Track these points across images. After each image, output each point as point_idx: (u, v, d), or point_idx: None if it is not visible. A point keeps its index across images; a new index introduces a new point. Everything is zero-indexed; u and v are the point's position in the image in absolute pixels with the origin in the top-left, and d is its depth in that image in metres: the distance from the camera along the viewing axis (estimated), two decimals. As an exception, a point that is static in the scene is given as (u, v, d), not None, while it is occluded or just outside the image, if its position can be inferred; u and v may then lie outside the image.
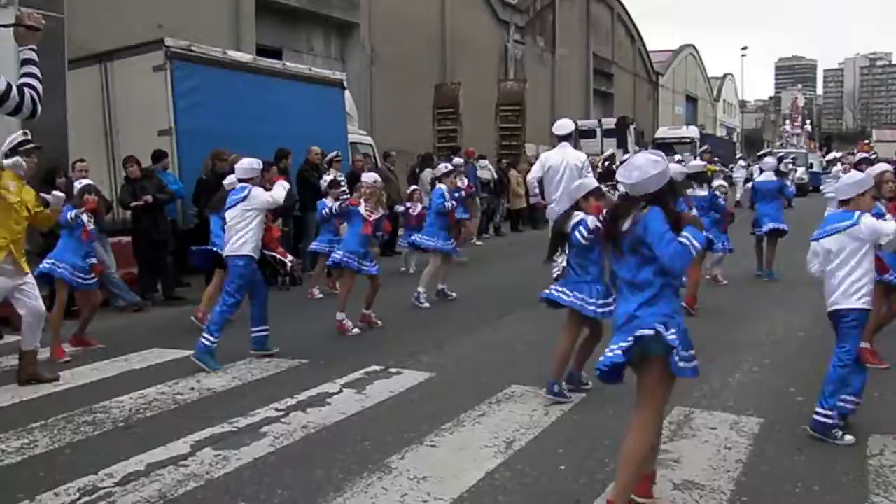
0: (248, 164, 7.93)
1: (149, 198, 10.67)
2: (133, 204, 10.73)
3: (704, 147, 23.79)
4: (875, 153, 26.20)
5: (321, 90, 15.68)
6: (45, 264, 8.02)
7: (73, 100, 11.34)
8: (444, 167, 11.71)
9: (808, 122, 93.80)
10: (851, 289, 5.32)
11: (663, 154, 4.17)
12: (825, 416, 5.31)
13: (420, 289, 10.39)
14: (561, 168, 10.13)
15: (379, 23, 26.58)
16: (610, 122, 33.36)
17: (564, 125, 10.62)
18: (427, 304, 10.33)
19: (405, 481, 4.67)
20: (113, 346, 8.33)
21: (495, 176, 20.65)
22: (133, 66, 12.70)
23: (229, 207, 7.78)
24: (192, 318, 9.26)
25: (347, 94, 16.85)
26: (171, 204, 11.64)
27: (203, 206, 11.75)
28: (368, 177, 9.48)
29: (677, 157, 15.97)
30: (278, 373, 7.23)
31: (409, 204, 12.46)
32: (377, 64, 26.51)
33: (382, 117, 25.00)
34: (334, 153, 13.17)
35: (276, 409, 6.06)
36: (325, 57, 25.29)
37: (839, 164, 17.72)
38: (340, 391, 6.58)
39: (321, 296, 11.33)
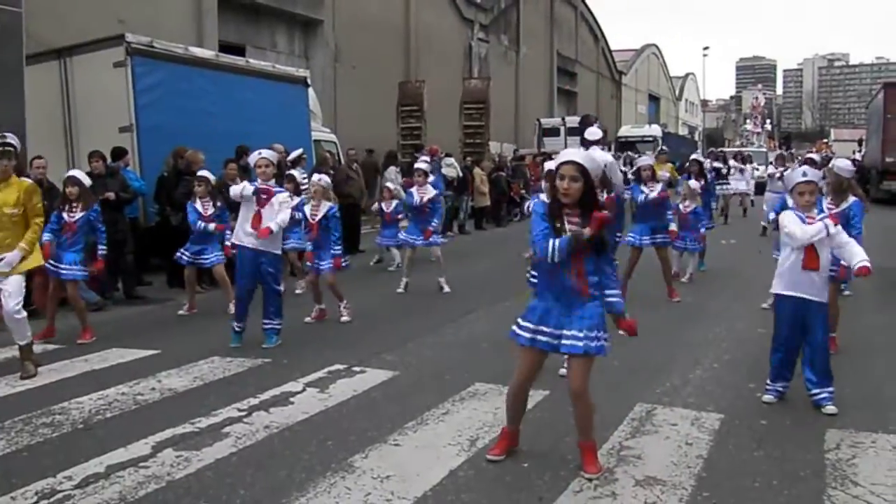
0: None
1: (111, 195, 10.53)
2: (101, 198, 10.56)
3: (660, 148, 24.10)
4: (829, 153, 26.64)
5: (284, 87, 15.61)
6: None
7: (31, 96, 11.17)
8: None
9: (768, 121, 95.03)
10: None
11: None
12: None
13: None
14: None
15: (343, 20, 26.49)
16: (574, 121, 33.51)
17: (595, 133, 12.20)
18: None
19: (368, 480, 4.66)
20: (72, 345, 8.22)
21: (460, 174, 20.66)
22: (93, 61, 12.54)
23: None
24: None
25: (311, 91, 16.79)
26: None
27: (164, 204, 11.67)
28: (315, 176, 9.76)
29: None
30: (241, 372, 7.17)
31: (383, 203, 12.91)
32: (341, 61, 26.44)
33: (346, 115, 24.92)
34: (299, 151, 13.10)
35: (239, 409, 6.01)
36: (289, 54, 25.17)
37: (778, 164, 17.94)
38: (303, 390, 6.54)
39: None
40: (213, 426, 5.65)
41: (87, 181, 8.70)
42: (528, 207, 6.95)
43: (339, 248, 9.29)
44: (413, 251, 11.55)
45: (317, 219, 9.24)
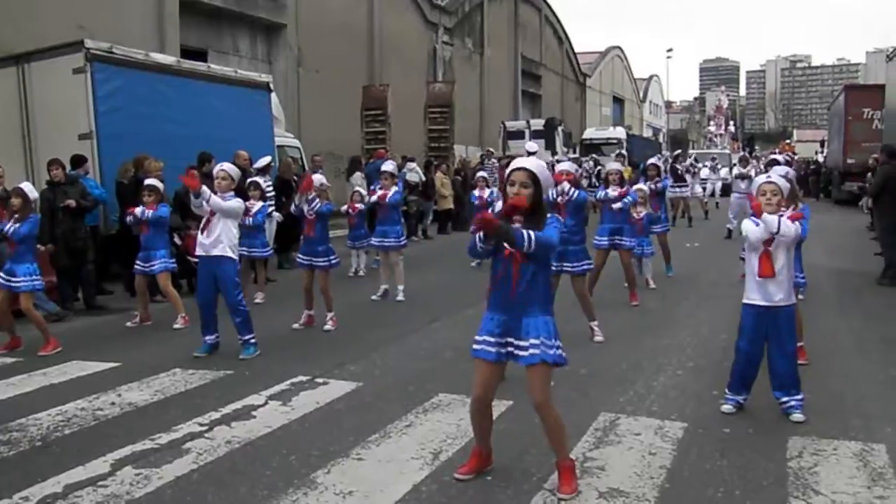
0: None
1: (72, 202, 10.40)
2: (62, 205, 10.42)
3: (617, 151, 24.29)
4: (791, 154, 27.03)
5: (247, 93, 15.50)
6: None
7: (-12, 103, 11.04)
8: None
9: (731, 122, 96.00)
10: None
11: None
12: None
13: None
14: None
15: (306, 24, 26.37)
16: (538, 124, 33.68)
17: (532, 147, 16.13)
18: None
19: (331, 497, 4.62)
20: (31, 358, 8.09)
21: (423, 178, 20.60)
22: (52, 67, 12.38)
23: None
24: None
25: (274, 96, 16.70)
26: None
27: (124, 212, 11.52)
28: (315, 179, 9.70)
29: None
30: (202, 385, 7.08)
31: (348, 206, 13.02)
32: (304, 65, 26.31)
33: (310, 120, 24.82)
34: (267, 159, 13.04)
35: (200, 424, 5.94)
36: (251, 58, 25.03)
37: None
38: (266, 403, 6.48)
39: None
40: (174, 442, 5.57)
41: (33, 195, 8.53)
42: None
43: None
44: (387, 255, 11.43)
45: (312, 215, 9.33)
